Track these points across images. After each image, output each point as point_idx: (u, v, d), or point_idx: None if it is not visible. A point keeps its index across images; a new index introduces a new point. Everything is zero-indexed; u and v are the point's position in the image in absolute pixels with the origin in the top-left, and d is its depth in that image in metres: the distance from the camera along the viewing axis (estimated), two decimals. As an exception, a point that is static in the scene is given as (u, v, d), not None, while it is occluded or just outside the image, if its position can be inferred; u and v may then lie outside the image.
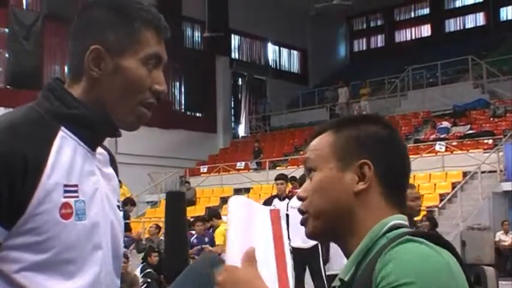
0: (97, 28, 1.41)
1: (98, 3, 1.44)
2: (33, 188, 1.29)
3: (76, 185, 1.36)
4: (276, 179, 9.77)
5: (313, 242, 8.86)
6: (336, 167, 1.25)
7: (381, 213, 1.23)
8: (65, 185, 1.34)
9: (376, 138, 1.26)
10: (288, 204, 9.47)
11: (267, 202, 9.66)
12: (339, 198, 1.24)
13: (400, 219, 1.23)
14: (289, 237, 9.21)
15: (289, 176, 15.05)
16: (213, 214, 10.89)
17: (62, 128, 1.38)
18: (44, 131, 1.35)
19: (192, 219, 15.25)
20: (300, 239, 9.01)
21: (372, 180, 1.23)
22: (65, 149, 1.36)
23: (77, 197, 1.35)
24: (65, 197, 1.33)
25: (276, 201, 9.52)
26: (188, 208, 18.64)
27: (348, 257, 1.24)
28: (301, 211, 1.29)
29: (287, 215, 9.36)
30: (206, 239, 10.80)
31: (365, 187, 1.23)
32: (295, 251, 9.13)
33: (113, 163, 1.57)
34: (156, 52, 1.43)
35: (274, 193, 10.15)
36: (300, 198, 1.30)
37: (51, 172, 1.32)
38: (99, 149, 1.51)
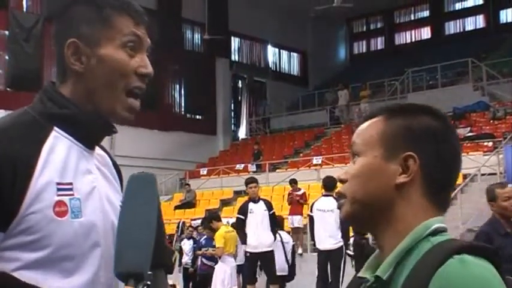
0: (71, 24, 1.43)
1: (69, 3, 1.47)
2: (25, 189, 1.30)
3: (70, 183, 1.37)
4: (247, 183, 9.81)
5: (339, 244, 9.06)
6: (380, 155, 1.21)
7: (422, 211, 1.19)
8: (58, 183, 1.34)
9: (428, 131, 1.21)
10: (312, 206, 9.63)
11: (243, 207, 9.82)
12: (378, 187, 1.20)
13: (442, 222, 1.20)
14: (314, 240, 9.47)
15: (289, 179, 15.13)
16: (213, 217, 10.87)
17: (55, 128, 1.39)
18: (35, 132, 1.37)
19: (192, 222, 15.30)
20: (326, 241, 9.21)
21: (415, 175, 1.19)
22: (57, 149, 1.37)
23: (72, 195, 1.36)
24: (58, 195, 1.34)
25: (251, 204, 9.62)
26: (188, 210, 18.72)
27: (381, 248, 1.22)
28: (340, 193, 1.26)
29: (311, 217, 9.49)
30: (214, 243, 10.72)
31: (407, 180, 1.19)
32: (321, 253, 9.35)
33: (116, 166, 1.58)
34: (133, 35, 1.44)
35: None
36: (341, 181, 1.26)
37: (42, 171, 1.33)
38: (100, 151, 1.51)
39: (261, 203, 9.68)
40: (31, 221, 1.30)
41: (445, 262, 1.08)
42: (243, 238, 9.66)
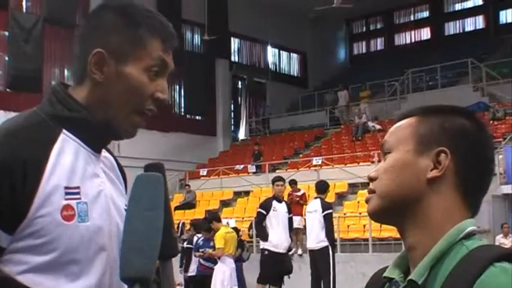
0: (102, 32, 1.41)
1: (106, 7, 1.44)
2: (34, 192, 1.29)
3: (78, 187, 1.36)
4: (275, 181, 9.79)
5: (323, 244, 9.16)
6: (413, 150, 1.21)
7: (452, 209, 1.18)
8: (66, 187, 1.34)
9: (462, 131, 1.21)
10: (306, 209, 9.81)
11: (267, 204, 9.72)
12: (409, 182, 1.19)
13: (474, 224, 1.18)
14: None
15: (288, 179, 15.11)
16: (213, 217, 10.86)
17: (64, 130, 1.39)
18: (44, 134, 1.36)
19: (191, 222, 15.27)
20: (312, 241, 9.40)
21: (447, 171, 1.18)
22: (66, 152, 1.37)
23: (79, 199, 1.36)
24: (66, 199, 1.33)
25: (275, 203, 9.57)
26: (188, 211, 18.72)
27: (409, 247, 1.20)
28: (370, 190, 1.24)
29: (304, 220, 9.65)
30: (211, 243, 10.67)
31: (439, 175, 1.18)
32: (309, 253, 9.55)
33: (120, 168, 1.58)
34: (160, 60, 1.42)
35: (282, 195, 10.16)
36: (371, 179, 1.24)
37: (51, 175, 1.32)
38: (105, 153, 1.51)
39: (284, 204, 9.69)
40: (39, 225, 1.30)
41: (486, 270, 1.06)
42: (264, 234, 9.49)
